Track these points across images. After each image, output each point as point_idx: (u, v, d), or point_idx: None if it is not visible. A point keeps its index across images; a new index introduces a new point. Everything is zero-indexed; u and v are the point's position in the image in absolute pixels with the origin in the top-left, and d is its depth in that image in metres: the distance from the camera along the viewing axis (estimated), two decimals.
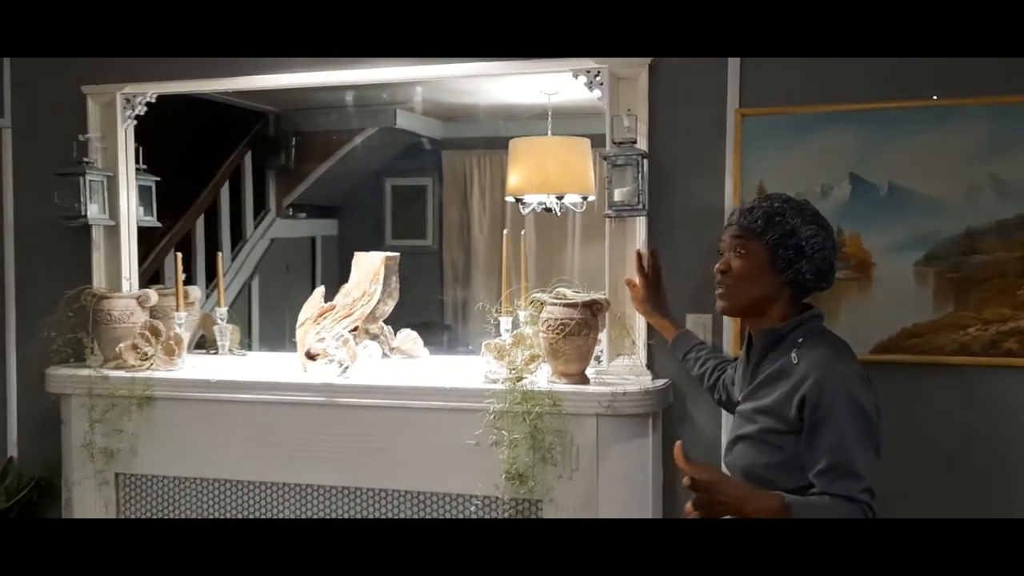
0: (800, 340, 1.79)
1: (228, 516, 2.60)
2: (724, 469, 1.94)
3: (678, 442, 1.63)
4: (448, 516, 2.44)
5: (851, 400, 1.69)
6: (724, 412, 2.40)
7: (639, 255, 2.36)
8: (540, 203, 3.08)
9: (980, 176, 2.22)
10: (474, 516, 2.41)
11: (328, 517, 2.53)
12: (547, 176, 3.02)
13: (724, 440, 2.40)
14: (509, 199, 3.18)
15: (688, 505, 1.61)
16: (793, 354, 1.77)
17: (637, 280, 2.36)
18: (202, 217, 4.23)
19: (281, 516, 2.56)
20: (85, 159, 2.74)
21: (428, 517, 2.46)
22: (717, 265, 1.87)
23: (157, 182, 2.99)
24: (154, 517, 2.66)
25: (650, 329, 2.44)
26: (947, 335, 2.25)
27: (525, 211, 3.16)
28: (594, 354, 2.43)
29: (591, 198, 3.08)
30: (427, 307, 4.64)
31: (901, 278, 2.28)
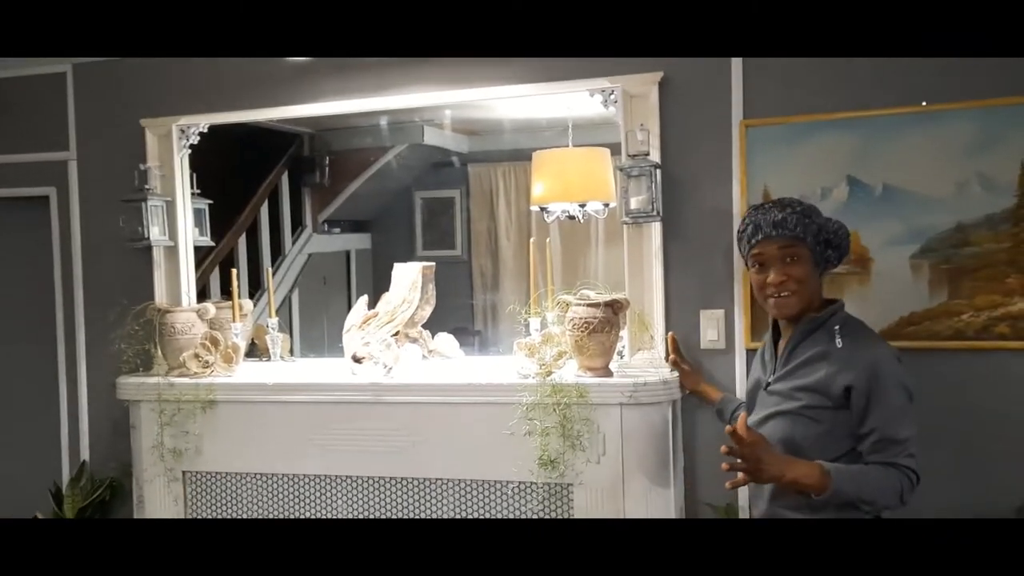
0: (837, 327, 1.96)
1: (285, 507, 2.84)
2: None
3: (742, 415, 1.88)
4: (486, 501, 2.66)
5: (896, 380, 1.89)
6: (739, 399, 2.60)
7: (673, 340, 2.59)
8: (564, 211, 3.25)
9: (968, 174, 2.40)
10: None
11: (376, 505, 2.75)
12: (570, 185, 3.19)
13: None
14: (534, 208, 3.36)
15: (725, 464, 1.79)
16: (837, 340, 1.93)
17: (675, 359, 2.57)
18: (244, 235, 4.48)
19: (334, 505, 2.79)
20: (146, 186, 3.00)
21: (467, 502, 2.67)
22: (770, 278, 1.97)
23: (210, 204, 3.25)
24: (219, 509, 2.90)
25: (667, 324, 2.65)
26: (942, 322, 2.44)
27: (549, 219, 3.34)
28: (616, 349, 2.63)
29: (612, 204, 3.26)
30: (458, 314, 4.84)
31: (898, 271, 2.46)
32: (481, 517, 2.66)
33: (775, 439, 1.98)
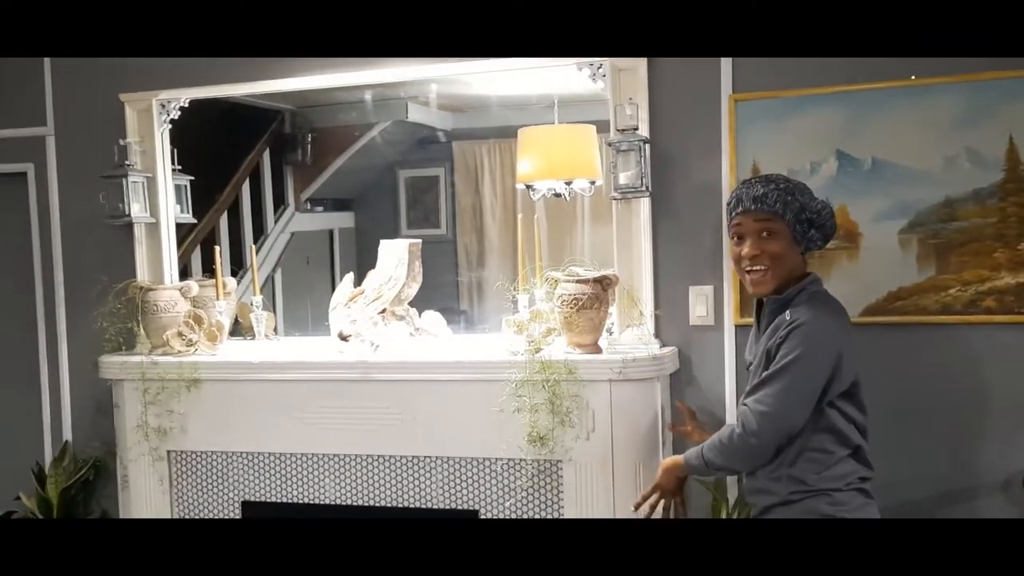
0: (800, 301, 1.94)
1: (272, 486, 2.82)
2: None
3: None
4: (475, 478, 2.65)
5: (799, 348, 1.84)
6: (728, 375, 2.61)
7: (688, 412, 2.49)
8: (550, 189, 3.24)
9: (957, 148, 2.40)
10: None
11: (363, 483, 2.74)
12: (555, 163, 3.17)
13: (729, 403, 2.61)
14: (520, 186, 3.35)
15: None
16: (788, 312, 1.92)
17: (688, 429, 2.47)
18: (225, 213, 4.43)
19: (321, 484, 2.78)
20: (126, 162, 2.95)
21: (456, 480, 2.66)
22: (744, 251, 1.96)
23: (191, 181, 3.20)
24: (205, 489, 2.87)
25: (657, 301, 2.64)
26: (930, 296, 2.45)
27: (535, 197, 3.33)
28: (605, 326, 2.62)
29: (598, 182, 3.25)
30: (444, 292, 4.82)
31: (886, 245, 2.46)
32: (469, 494, 2.66)
33: None
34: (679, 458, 2.10)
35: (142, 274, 3.02)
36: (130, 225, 3.00)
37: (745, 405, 1.92)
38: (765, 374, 1.88)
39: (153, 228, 3.03)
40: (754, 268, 1.96)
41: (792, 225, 1.94)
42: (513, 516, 2.63)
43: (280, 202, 5.00)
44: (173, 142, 3.08)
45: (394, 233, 5.01)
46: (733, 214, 2.00)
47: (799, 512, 1.89)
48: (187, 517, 2.90)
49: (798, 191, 1.97)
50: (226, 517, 2.87)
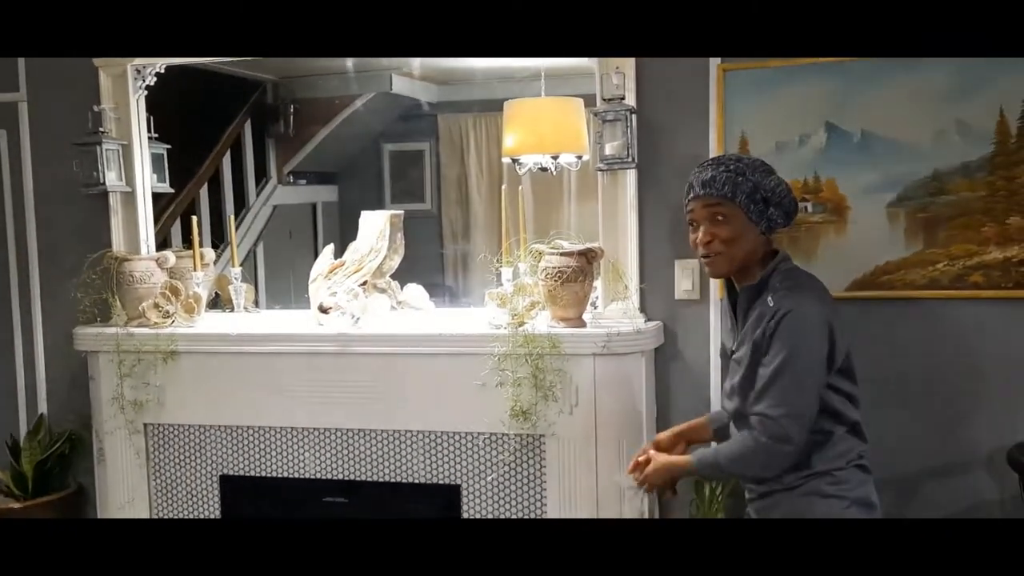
0: (777, 285, 1.87)
1: (250, 459, 2.78)
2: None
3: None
4: (457, 453, 2.62)
5: (793, 336, 1.78)
6: (713, 350, 2.58)
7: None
8: (536, 163, 3.19)
9: (946, 121, 2.37)
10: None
11: (344, 457, 2.71)
12: (542, 136, 3.12)
13: (713, 378, 2.59)
14: (506, 160, 3.30)
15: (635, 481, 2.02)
16: (769, 298, 1.85)
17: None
18: (206, 186, 4.35)
19: (300, 458, 2.74)
20: (100, 129, 2.87)
21: (438, 454, 2.64)
22: (699, 238, 1.91)
23: (168, 150, 3.13)
24: (182, 462, 2.83)
25: (642, 275, 2.61)
26: (917, 271, 2.42)
27: (522, 171, 3.28)
28: (590, 299, 2.59)
29: (585, 157, 3.20)
30: (429, 267, 4.78)
31: (874, 219, 2.44)
32: (451, 469, 2.63)
33: (730, 411, 1.97)
34: (681, 461, 1.97)
35: (118, 244, 2.95)
36: (105, 194, 2.92)
37: (761, 414, 1.80)
38: (767, 377, 1.80)
39: (129, 197, 2.96)
40: (708, 254, 1.91)
41: (746, 206, 1.86)
42: (495, 491, 2.60)
43: (262, 175, 4.93)
44: (150, 110, 3.00)
45: (378, 207, 4.94)
46: (686, 201, 1.95)
47: (802, 495, 1.84)
48: (164, 491, 2.86)
49: (750, 170, 1.88)
50: (203, 490, 2.83)
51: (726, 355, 2.08)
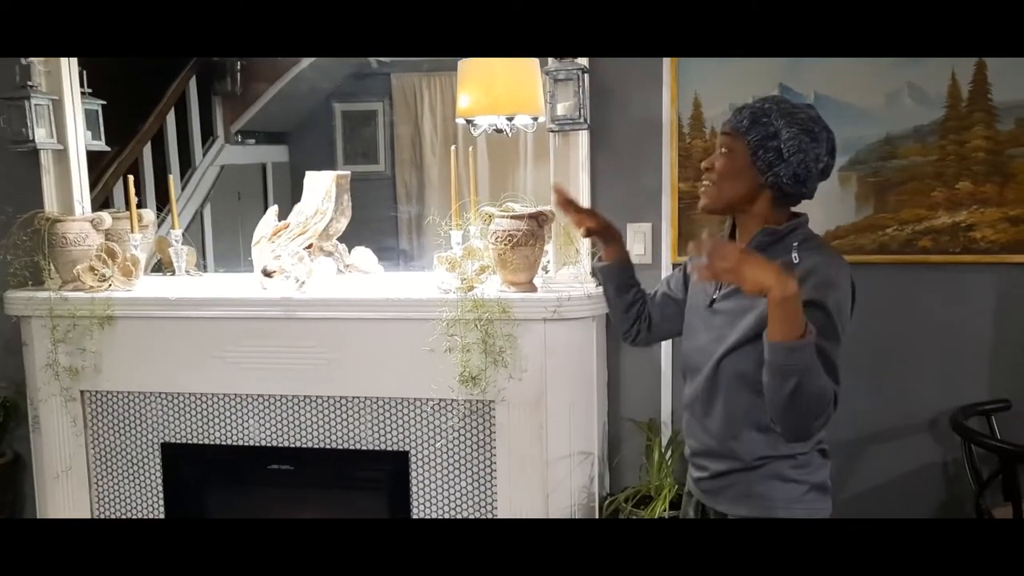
0: (796, 243, 1.76)
1: (192, 427, 2.71)
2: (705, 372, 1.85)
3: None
4: (405, 419, 2.58)
5: (840, 301, 1.67)
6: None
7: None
8: (491, 124, 3.12)
9: (899, 84, 2.36)
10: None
11: (289, 425, 2.65)
12: (496, 97, 3.03)
13: (664, 344, 2.56)
14: (460, 121, 3.22)
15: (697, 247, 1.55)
16: (794, 254, 1.73)
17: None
18: (149, 144, 4.20)
19: (245, 425, 2.68)
20: (29, 83, 2.73)
21: (385, 420, 2.59)
22: (703, 163, 1.82)
23: (103, 106, 2.99)
24: (121, 430, 2.75)
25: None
26: (867, 236, 2.42)
27: (476, 132, 3.21)
28: (541, 264, 2.54)
29: (541, 119, 3.14)
30: (381, 230, 4.69)
31: (826, 183, 2.39)
32: (399, 435, 2.59)
33: (728, 371, 1.77)
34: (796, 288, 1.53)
35: (50, 204, 2.82)
36: (36, 151, 2.78)
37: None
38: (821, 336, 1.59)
39: (61, 155, 2.83)
40: (702, 181, 1.81)
41: (753, 149, 1.73)
42: (444, 457, 2.57)
43: (209, 134, 4.77)
44: (83, 63, 2.86)
45: (330, 168, 4.82)
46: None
47: (763, 477, 1.74)
48: (103, 459, 2.78)
49: (779, 114, 1.73)
50: (144, 459, 2.75)
51: (695, 305, 1.90)
